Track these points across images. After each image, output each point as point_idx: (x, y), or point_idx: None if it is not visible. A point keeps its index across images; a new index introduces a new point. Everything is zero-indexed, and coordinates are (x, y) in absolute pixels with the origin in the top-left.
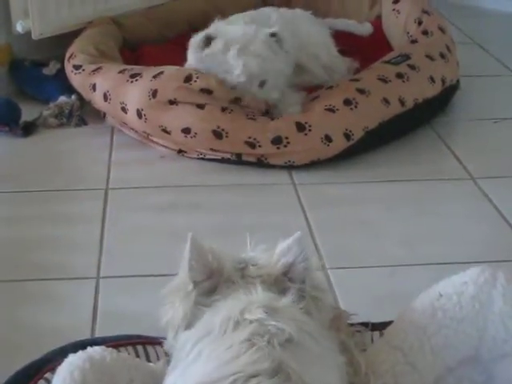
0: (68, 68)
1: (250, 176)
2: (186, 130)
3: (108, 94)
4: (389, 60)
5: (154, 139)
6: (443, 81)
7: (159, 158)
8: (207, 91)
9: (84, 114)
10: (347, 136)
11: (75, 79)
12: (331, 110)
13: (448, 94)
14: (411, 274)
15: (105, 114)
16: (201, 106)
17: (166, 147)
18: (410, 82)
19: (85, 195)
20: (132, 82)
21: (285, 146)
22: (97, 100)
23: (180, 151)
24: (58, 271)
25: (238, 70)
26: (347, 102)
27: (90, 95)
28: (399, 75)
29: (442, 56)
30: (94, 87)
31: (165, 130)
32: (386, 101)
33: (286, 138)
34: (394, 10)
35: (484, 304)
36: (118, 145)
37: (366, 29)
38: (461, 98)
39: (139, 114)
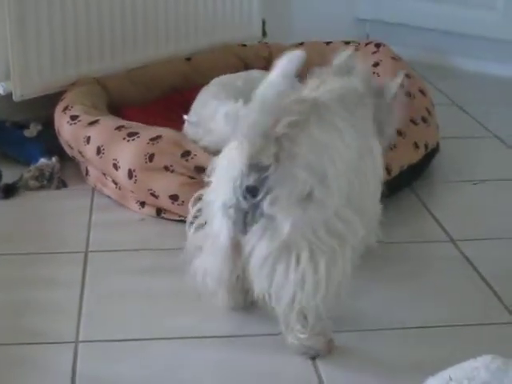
0: (63, 120)
1: None
2: (174, 197)
3: (102, 149)
4: None
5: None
6: (426, 146)
7: (139, 221)
8: (200, 169)
9: (64, 176)
10: None
11: (69, 130)
12: None
13: (429, 157)
14: (384, 339)
15: (87, 172)
16: (192, 178)
17: (142, 205)
18: (398, 150)
19: (64, 258)
20: (128, 140)
21: None
22: (88, 153)
23: (160, 213)
24: (35, 335)
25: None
26: None
27: (82, 147)
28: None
29: (424, 120)
30: (88, 140)
31: (153, 194)
32: None
33: None
34: (374, 73)
35: None
36: (98, 207)
37: None
38: (440, 159)
39: (130, 175)
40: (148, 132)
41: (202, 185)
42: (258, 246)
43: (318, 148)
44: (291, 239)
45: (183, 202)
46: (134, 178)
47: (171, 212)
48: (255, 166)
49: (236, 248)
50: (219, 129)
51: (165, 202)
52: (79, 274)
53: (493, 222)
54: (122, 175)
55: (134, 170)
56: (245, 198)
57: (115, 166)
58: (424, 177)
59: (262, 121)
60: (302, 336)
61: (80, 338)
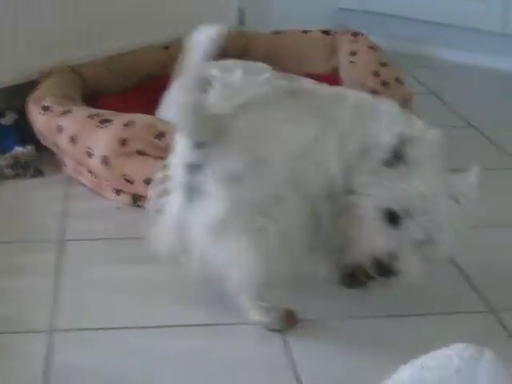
0: (35, 110)
1: None
2: (149, 181)
3: (75, 137)
4: None
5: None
6: None
7: (115, 209)
8: None
9: (40, 164)
10: None
11: (41, 120)
12: None
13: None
14: (358, 325)
15: (64, 162)
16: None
17: (118, 193)
18: None
19: (40, 247)
20: (102, 127)
21: None
22: (61, 142)
23: (135, 201)
24: (10, 324)
25: None
26: None
27: (55, 137)
28: None
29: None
30: (60, 129)
31: (127, 180)
32: None
33: None
34: (351, 62)
35: (468, 379)
36: (74, 195)
37: None
38: None
39: (104, 161)
40: (121, 118)
41: None
42: (195, 223)
43: (257, 131)
44: (224, 217)
45: None
46: (108, 165)
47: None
48: (195, 145)
49: (183, 223)
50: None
51: (140, 187)
52: (55, 262)
53: (469, 210)
54: (95, 163)
55: (107, 157)
56: (188, 174)
57: (89, 154)
58: None
59: (189, 101)
60: (254, 312)
61: (55, 327)
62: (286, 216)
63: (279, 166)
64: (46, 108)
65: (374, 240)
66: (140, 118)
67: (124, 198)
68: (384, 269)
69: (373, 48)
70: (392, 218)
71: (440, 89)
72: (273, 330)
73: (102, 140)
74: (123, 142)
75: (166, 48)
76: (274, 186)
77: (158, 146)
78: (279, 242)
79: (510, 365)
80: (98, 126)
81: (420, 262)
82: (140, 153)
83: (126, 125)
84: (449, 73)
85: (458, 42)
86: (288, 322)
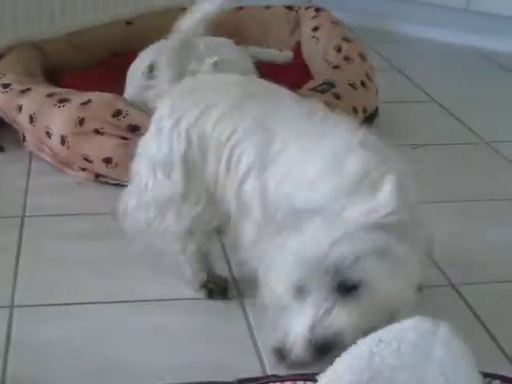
0: None
1: None
2: (108, 160)
3: (34, 117)
4: (314, 87)
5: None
6: (365, 111)
7: (76, 185)
8: (134, 128)
9: (2, 140)
10: None
11: (1, 99)
12: None
13: (367, 121)
14: None
15: (24, 138)
16: (125, 138)
17: (82, 170)
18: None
19: (1, 222)
20: (59, 107)
21: None
22: (22, 121)
23: (97, 176)
24: None
25: None
26: None
27: (14, 116)
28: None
29: (363, 84)
30: (20, 108)
31: (86, 159)
32: None
33: None
34: (313, 37)
35: (424, 352)
36: (35, 171)
37: (286, 56)
38: (379, 123)
39: (63, 141)
40: (79, 97)
41: (136, 145)
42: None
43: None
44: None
45: (117, 164)
46: (66, 144)
47: (107, 176)
48: None
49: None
50: None
51: (99, 166)
52: (15, 238)
53: (427, 185)
54: (54, 142)
55: (66, 136)
56: None
57: (48, 134)
58: None
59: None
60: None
61: (15, 303)
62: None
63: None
64: (6, 86)
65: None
66: (98, 97)
67: (87, 174)
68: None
69: (335, 23)
70: None
71: (403, 64)
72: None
73: (59, 119)
74: (80, 122)
75: (129, 23)
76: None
77: (116, 125)
78: None
79: (468, 337)
80: (55, 106)
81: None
82: (97, 131)
83: (83, 104)
84: (411, 48)
85: (421, 17)
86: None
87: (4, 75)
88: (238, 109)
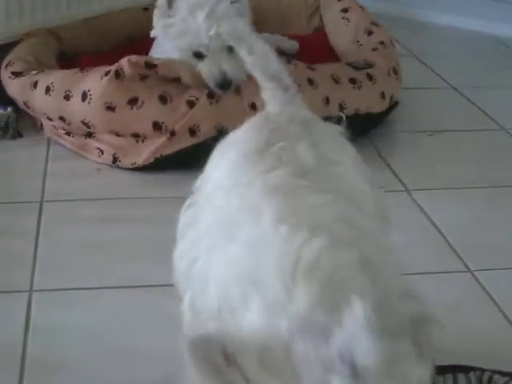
0: (5, 75)
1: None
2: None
3: (51, 86)
4: (351, 62)
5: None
6: (391, 98)
7: (95, 170)
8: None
9: (20, 126)
10: None
11: (13, 84)
12: None
13: (390, 109)
14: None
15: (42, 125)
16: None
17: (101, 152)
18: (362, 91)
19: (19, 208)
20: (83, 72)
21: None
22: (36, 97)
23: (115, 161)
24: None
25: (210, 30)
26: None
27: (28, 95)
28: (352, 80)
29: (395, 72)
30: (35, 84)
31: (109, 107)
32: (327, 100)
33: None
34: (343, 18)
35: None
36: (53, 157)
37: (292, 45)
38: (398, 110)
39: (84, 96)
40: (100, 68)
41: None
42: None
43: None
44: None
45: (143, 102)
46: (88, 99)
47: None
48: None
49: None
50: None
51: (126, 114)
52: (34, 223)
53: (446, 172)
54: (74, 102)
55: (89, 90)
56: None
57: (67, 97)
58: (381, 126)
59: None
60: None
61: (34, 288)
62: None
63: None
64: (16, 74)
65: None
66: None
67: (105, 158)
68: None
69: (362, 7)
70: None
71: (421, 51)
72: None
73: (89, 79)
74: (116, 74)
75: (146, 9)
76: None
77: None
78: None
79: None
80: (77, 73)
81: None
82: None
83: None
84: (429, 34)
85: (440, 3)
86: None
87: (14, 63)
88: None
